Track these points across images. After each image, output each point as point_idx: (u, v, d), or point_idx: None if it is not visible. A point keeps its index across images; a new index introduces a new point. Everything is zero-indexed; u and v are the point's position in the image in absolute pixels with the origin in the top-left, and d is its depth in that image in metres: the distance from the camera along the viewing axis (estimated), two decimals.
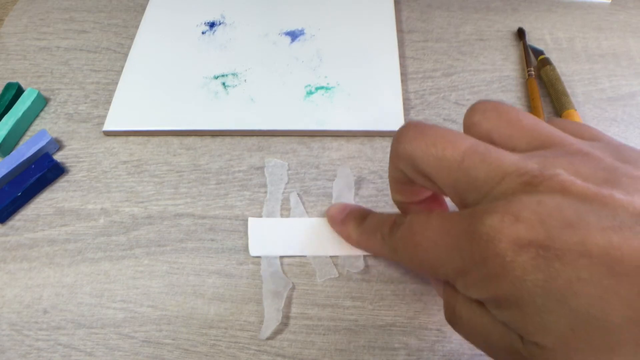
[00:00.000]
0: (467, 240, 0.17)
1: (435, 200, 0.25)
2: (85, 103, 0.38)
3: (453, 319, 0.20)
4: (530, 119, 0.19)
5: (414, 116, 0.36)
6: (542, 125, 0.19)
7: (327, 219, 0.29)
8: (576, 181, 0.16)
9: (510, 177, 0.17)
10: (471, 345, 0.26)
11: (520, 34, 0.41)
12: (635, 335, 0.14)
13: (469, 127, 0.20)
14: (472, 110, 0.20)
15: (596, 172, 0.16)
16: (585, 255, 0.14)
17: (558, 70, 0.38)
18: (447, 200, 0.26)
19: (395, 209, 0.31)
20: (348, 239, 0.28)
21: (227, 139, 0.36)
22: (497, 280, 0.16)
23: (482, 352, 0.19)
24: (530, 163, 0.17)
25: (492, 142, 0.19)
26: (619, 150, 0.18)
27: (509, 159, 0.17)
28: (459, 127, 0.36)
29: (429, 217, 0.20)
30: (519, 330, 0.16)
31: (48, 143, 0.34)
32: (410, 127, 0.20)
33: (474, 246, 0.16)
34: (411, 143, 0.20)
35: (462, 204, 0.19)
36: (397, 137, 0.21)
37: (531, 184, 0.16)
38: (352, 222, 0.27)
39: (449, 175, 0.18)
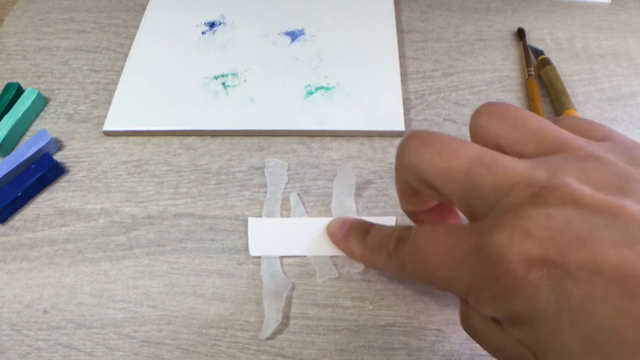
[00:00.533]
0: (476, 256, 0.17)
1: (445, 208, 0.25)
2: (85, 103, 0.38)
3: (468, 328, 0.20)
4: (537, 122, 0.19)
5: (414, 116, 0.36)
6: (550, 128, 0.18)
7: (328, 236, 0.29)
8: (587, 191, 0.15)
9: (518, 188, 0.16)
10: (471, 346, 0.27)
11: (520, 34, 0.41)
12: None
13: (475, 132, 0.20)
14: (478, 113, 0.20)
15: (608, 179, 0.16)
16: (597, 273, 0.14)
17: (558, 70, 0.38)
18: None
19: (394, 210, 0.31)
20: (351, 254, 0.27)
21: (227, 139, 0.36)
22: (509, 299, 0.15)
23: (484, 353, 0.19)
24: (538, 172, 0.16)
25: (499, 147, 0.19)
26: (631, 152, 0.17)
27: (517, 168, 0.17)
28: (458, 127, 0.36)
29: (436, 231, 0.19)
30: (532, 348, 0.16)
31: (48, 143, 0.34)
32: (414, 138, 0.20)
33: (483, 263, 0.16)
34: (416, 154, 0.19)
35: (470, 214, 0.18)
36: (401, 148, 0.21)
37: (540, 195, 0.16)
38: (354, 237, 0.26)
39: (455, 186, 0.18)
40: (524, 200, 0.16)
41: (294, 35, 0.41)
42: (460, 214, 0.26)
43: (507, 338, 0.17)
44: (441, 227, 0.19)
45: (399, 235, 0.22)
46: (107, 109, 0.37)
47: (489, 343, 0.19)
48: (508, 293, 0.15)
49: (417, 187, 0.21)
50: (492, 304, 0.16)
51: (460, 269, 0.17)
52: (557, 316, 0.14)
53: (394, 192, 0.32)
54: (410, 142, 0.20)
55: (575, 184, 0.15)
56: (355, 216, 0.31)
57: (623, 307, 0.13)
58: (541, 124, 0.19)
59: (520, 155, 0.18)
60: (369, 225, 0.26)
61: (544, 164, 0.17)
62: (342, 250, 0.28)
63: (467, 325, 0.20)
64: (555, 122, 0.19)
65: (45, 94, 0.39)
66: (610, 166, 0.16)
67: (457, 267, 0.18)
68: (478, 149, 0.18)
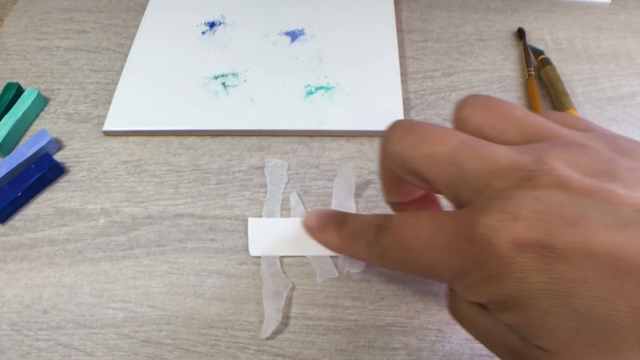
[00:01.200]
0: (463, 241, 0.16)
1: (428, 199, 0.25)
2: (85, 103, 0.38)
3: (456, 315, 0.19)
4: (521, 111, 0.19)
5: (414, 116, 0.36)
6: (534, 117, 0.18)
7: (305, 229, 0.27)
8: (575, 175, 0.15)
9: (505, 172, 0.16)
10: (471, 346, 0.27)
11: (520, 34, 0.41)
12: None
13: (459, 122, 0.20)
14: (462, 104, 0.20)
15: (594, 164, 0.15)
16: (589, 255, 0.14)
17: (558, 70, 0.38)
18: (441, 198, 0.26)
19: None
20: (329, 246, 0.26)
21: (227, 139, 0.36)
22: (498, 282, 0.15)
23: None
24: (525, 157, 0.16)
25: (484, 136, 0.18)
26: (615, 141, 0.17)
27: (503, 153, 0.17)
28: None
29: (419, 218, 0.19)
30: (522, 332, 0.16)
31: (48, 143, 0.34)
32: (398, 126, 0.20)
33: (471, 247, 0.16)
34: (400, 142, 0.19)
35: (457, 201, 0.18)
36: (385, 137, 0.20)
37: (528, 179, 0.15)
38: (331, 227, 0.25)
39: (440, 171, 0.18)
40: (512, 184, 0.16)
41: (294, 35, 0.41)
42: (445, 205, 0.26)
43: (495, 323, 0.17)
44: (424, 213, 0.19)
45: (379, 223, 0.21)
46: (107, 109, 0.37)
47: (476, 329, 0.18)
48: (497, 276, 0.15)
49: (402, 176, 0.20)
50: (480, 288, 0.16)
51: (446, 254, 0.17)
52: (548, 299, 0.14)
53: None
54: (394, 130, 0.20)
55: (563, 169, 0.15)
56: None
57: (615, 290, 0.13)
58: (524, 113, 0.19)
59: (505, 144, 0.18)
60: (346, 215, 0.25)
61: (530, 150, 0.17)
62: (320, 242, 0.27)
63: (455, 311, 0.19)
64: (539, 114, 0.19)
65: (45, 94, 0.39)
66: (595, 153, 0.16)
67: (442, 253, 0.17)
68: (463, 135, 0.18)
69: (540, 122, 0.18)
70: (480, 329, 0.18)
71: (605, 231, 0.14)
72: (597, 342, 0.14)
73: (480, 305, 0.17)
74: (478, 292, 0.16)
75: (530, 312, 0.15)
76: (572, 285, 0.14)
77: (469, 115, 0.19)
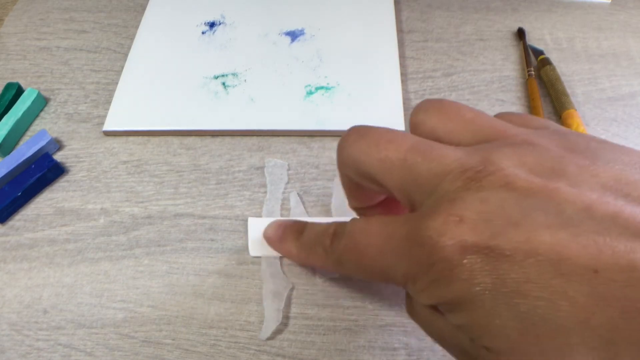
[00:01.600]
0: (411, 245, 0.17)
1: (392, 203, 0.25)
2: (85, 103, 0.38)
3: (413, 317, 0.20)
4: (472, 113, 0.19)
5: None
6: (484, 118, 0.19)
7: (266, 241, 0.28)
8: (521, 174, 0.15)
9: (453, 174, 0.16)
10: None
11: (520, 34, 0.41)
12: (587, 338, 0.13)
13: (415, 127, 0.20)
14: (416, 109, 0.20)
15: (542, 163, 0.16)
16: (532, 254, 0.14)
17: (558, 70, 0.38)
18: None
19: None
20: (289, 255, 0.27)
21: (227, 139, 0.36)
22: (445, 285, 0.15)
23: None
24: (473, 157, 0.16)
25: (438, 139, 0.19)
26: (566, 138, 0.17)
27: (452, 155, 0.17)
28: None
29: (370, 224, 0.19)
30: (469, 334, 0.16)
31: (48, 143, 0.34)
32: (352, 132, 0.20)
33: (419, 251, 0.16)
34: (353, 147, 0.20)
35: (409, 204, 0.18)
36: (340, 143, 0.21)
37: (474, 180, 0.16)
38: (290, 237, 0.26)
39: (393, 175, 0.18)
40: (459, 185, 0.16)
41: (294, 35, 0.41)
42: None
43: (447, 325, 0.17)
44: (375, 218, 0.19)
45: (334, 230, 0.22)
46: (107, 109, 0.37)
47: (432, 330, 0.18)
48: (444, 279, 0.15)
49: (358, 181, 0.21)
50: (429, 291, 0.16)
51: (397, 258, 0.17)
52: (493, 300, 0.14)
53: None
54: (348, 136, 0.20)
55: (510, 168, 0.15)
56: (355, 217, 0.31)
57: (559, 289, 0.13)
58: (476, 114, 0.19)
59: (458, 146, 0.18)
60: (305, 224, 0.26)
61: (479, 151, 0.17)
62: (280, 252, 0.27)
63: (412, 313, 0.20)
64: (494, 116, 0.20)
65: (45, 94, 0.39)
66: (544, 151, 0.16)
67: (394, 257, 0.18)
68: (414, 138, 0.18)
69: (492, 122, 0.18)
70: (435, 330, 0.18)
71: (548, 230, 0.14)
72: (541, 342, 0.14)
73: (433, 307, 0.17)
74: (428, 295, 0.16)
75: (476, 313, 0.15)
76: (515, 285, 0.14)
77: (423, 119, 0.20)
